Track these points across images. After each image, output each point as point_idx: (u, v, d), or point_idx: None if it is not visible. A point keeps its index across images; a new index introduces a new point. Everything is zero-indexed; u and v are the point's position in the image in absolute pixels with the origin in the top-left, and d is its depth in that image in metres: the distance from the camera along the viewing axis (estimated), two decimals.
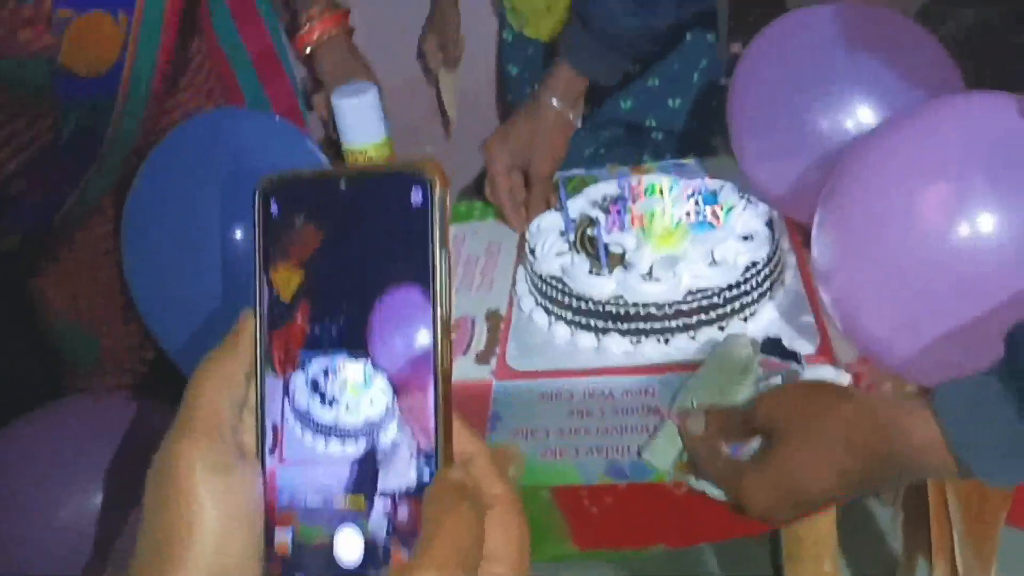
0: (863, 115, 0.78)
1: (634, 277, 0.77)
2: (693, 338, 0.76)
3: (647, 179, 0.88)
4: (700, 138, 1.29)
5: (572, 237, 0.85)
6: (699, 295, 0.75)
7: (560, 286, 0.80)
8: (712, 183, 0.88)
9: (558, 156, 0.99)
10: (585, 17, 0.94)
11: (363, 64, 1.06)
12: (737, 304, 0.76)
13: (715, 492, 0.62)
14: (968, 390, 0.51)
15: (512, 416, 0.73)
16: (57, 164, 0.87)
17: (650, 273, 0.77)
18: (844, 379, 0.67)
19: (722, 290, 0.75)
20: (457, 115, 1.55)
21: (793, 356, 0.67)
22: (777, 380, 0.66)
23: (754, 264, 0.77)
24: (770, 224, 0.82)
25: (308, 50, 1.06)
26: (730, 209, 0.82)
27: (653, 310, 0.75)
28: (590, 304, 0.77)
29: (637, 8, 0.91)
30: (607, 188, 0.94)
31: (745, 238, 0.80)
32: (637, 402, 0.72)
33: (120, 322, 1.01)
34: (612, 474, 0.67)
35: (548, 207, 0.96)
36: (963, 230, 0.59)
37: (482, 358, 0.81)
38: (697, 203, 0.83)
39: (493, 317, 0.86)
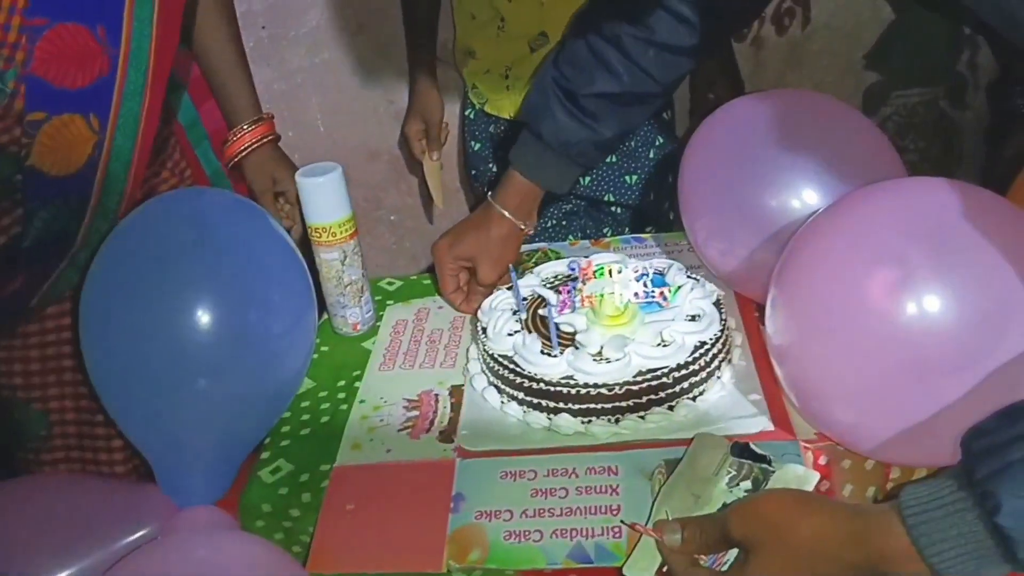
0: (808, 197, 0.80)
1: (584, 358, 0.77)
2: (643, 418, 0.77)
3: (597, 260, 0.89)
4: (658, 212, 1.32)
5: (524, 316, 0.86)
6: (648, 375, 0.76)
7: (511, 365, 0.80)
8: (660, 263, 0.90)
9: (504, 265, 0.98)
10: (535, 128, 0.96)
11: (287, 166, 1.09)
12: (686, 384, 0.77)
13: None
14: (932, 497, 0.52)
15: (475, 496, 0.73)
16: (25, 261, 0.87)
17: (600, 354, 0.78)
18: (813, 478, 0.68)
19: (671, 370, 0.76)
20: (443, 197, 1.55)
21: (763, 459, 0.68)
22: (748, 484, 0.67)
23: (702, 344, 0.78)
24: (717, 304, 0.84)
25: (232, 162, 1.10)
26: (678, 289, 0.84)
27: (604, 391, 0.76)
28: (541, 384, 0.78)
29: (583, 119, 0.93)
30: (557, 267, 0.95)
31: (693, 318, 0.82)
32: (600, 481, 0.72)
33: (71, 399, 1.00)
34: (576, 558, 0.67)
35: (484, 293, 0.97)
36: (911, 309, 0.61)
37: (445, 436, 0.80)
38: (646, 284, 0.85)
39: (457, 393, 0.86)
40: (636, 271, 0.87)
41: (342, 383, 0.91)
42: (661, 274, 0.88)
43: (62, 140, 0.83)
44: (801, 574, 0.55)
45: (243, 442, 0.82)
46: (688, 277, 0.87)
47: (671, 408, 0.77)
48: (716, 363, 0.80)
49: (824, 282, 0.67)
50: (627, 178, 1.29)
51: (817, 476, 0.68)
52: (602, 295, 0.83)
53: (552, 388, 0.77)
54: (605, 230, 1.33)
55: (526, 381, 0.79)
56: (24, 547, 0.75)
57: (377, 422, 0.84)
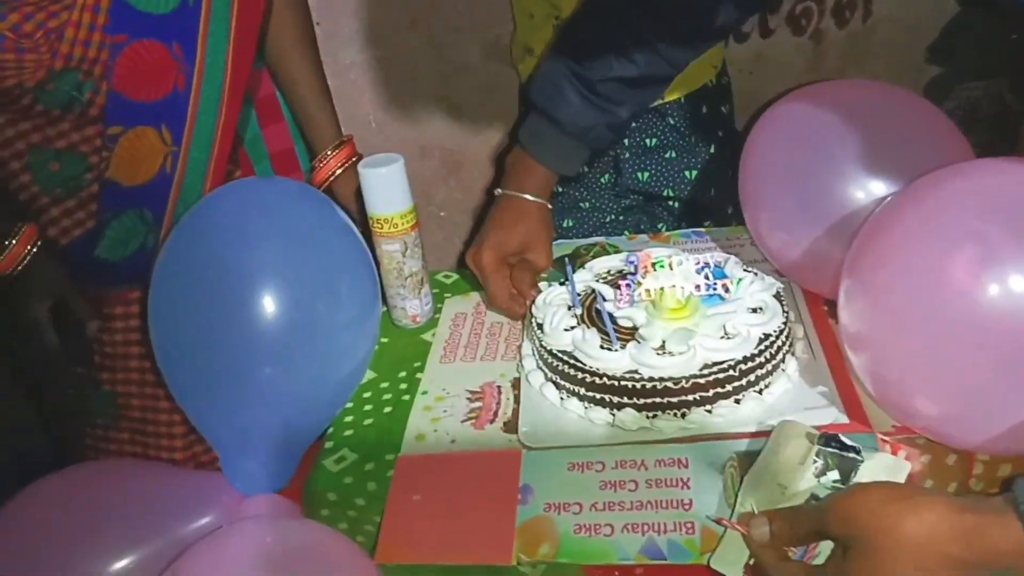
0: (875, 187, 0.79)
1: (647, 351, 0.76)
2: (709, 411, 0.76)
3: (655, 253, 0.88)
4: (716, 207, 1.30)
5: (579, 311, 0.85)
6: (715, 368, 0.75)
7: (572, 361, 0.79)
8: (719, 256, 0.89)
9: (551, 247, 0.99)
10: (552, 114, 0.94)
11: None
12: (752, 376, 0.76)
13: None
14: None
15: (543, 488, 0.72)
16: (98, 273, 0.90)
17: (663, 347, 0.77)
18: (904, 468, 0.66)
19: (738, 363, 0.75)
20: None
21: (853, 449, 0.66)
22: (835, 474, 0.65)
23: (767, 336, 0.77)
24: (778, 296, 0.82)
25: (323, 186, 1.13)
26: (740, 281, 0.83)
27: (670, 384, 0.74)
28: (604, 379, 0.77)
29: (600, 104, 0.93)
30: (611, 262, 0.94)
31: (755, 310, 0.80)
32: (670, 473, 0.71)
33: (135, 384, 1.02)
34: (649, 554, 0.66)
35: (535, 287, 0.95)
36: (993, 291, 0.59)
37: (510, 427, 0.80)
38: (707, 276, 0.83)
39: (519, 386, 0.85)
40: (697, 263, 0.86)
41: (403, 374, 0.90)
42: (720, 267, 0.87)
43: (135, 151, 0.86)
44: (907, 571, 0.54)
45: (307, 431, 0.82)
46: (745, 271, 0.86)
47: (737, 401, 0.76)
48: (781, 355, 0.78)
49: (901, 268, 0.65)
50: (687, 173, 1.27)
51: (909, 466, 0.66)
52: (663, 289, 0.82)
53: (616, 383, 0.76)
54: (660, 225, 1.31)
55: (588, 376, 0.78)
56: (89, 532, 0.75)
57: (440, 413, 0.83)
